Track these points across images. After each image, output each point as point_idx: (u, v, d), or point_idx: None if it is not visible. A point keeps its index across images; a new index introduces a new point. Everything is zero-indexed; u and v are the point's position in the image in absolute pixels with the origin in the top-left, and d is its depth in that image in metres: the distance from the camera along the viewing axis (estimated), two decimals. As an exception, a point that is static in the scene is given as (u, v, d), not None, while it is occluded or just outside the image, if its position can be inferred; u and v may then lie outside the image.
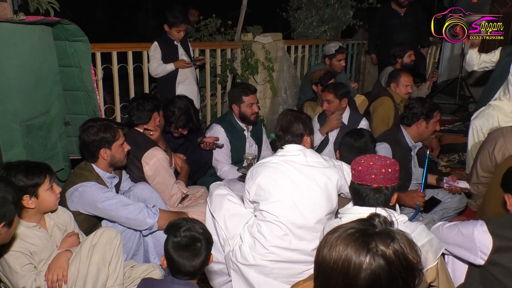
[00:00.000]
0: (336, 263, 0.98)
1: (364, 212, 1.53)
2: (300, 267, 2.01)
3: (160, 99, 2.91)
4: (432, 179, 2.95)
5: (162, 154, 2.61)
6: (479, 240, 1.61)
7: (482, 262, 1.62)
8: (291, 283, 1.93)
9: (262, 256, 1.99)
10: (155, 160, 2.57)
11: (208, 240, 1.54)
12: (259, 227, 2.02)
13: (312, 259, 1.90)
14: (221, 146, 3.13)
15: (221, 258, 2.16)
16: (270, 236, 1.98)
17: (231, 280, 2.11)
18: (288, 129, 2.13)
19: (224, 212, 2.12)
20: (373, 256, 0.96)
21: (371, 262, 0.96)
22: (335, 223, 1.63)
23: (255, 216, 2.10)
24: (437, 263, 1.53)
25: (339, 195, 2.15)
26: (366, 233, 1.00)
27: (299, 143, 2.13)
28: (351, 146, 2.45)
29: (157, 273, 2.04)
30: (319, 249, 1.04)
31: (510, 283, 1.55)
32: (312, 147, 2.24)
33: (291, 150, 2.11)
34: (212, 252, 2.22)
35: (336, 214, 2.11)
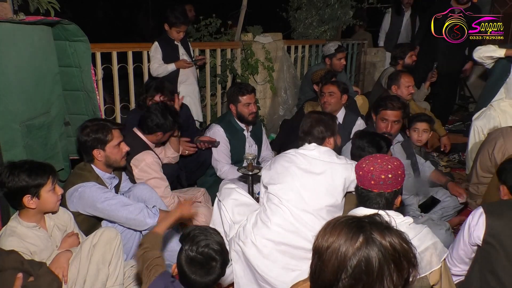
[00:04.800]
0: (331, 244, 1.03)
1: (368, 213, 1.53)
2: (299, 253, 2.04)
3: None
4: (442, 180, 2.95)
5: (151, 158, 2.60)
6: (474, 233, 1.70)
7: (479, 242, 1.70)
8: (288, 271, 1.99)
9: (263, 234, 2.05)
10: (144, 164, 2.57)
11: (224, 259, 1.48)
12: (264, 208, 2.12)
13: (311, 245, 1.95)
14: (216, 145, 3.13)
15: None
16: (273, 216, 2.06)
17: (230, 265, 2.15)
18: (310, 133, 2.22)
19: (232, 201, 2.23)
20: (366, 240, 1.00)
21: (362, 246, 0.99)
22: None
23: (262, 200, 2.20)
24: (441, 266, 1.53)
25: (349, 193, 2.17)
26: (363, 221, 1.05)
27: (321, 145, 2.21)
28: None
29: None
30: (318, 233, 1.09)
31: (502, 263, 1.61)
32: (336, 147, 2.30)
33: (308, 146, 2.21)
34: None
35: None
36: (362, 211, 1.58)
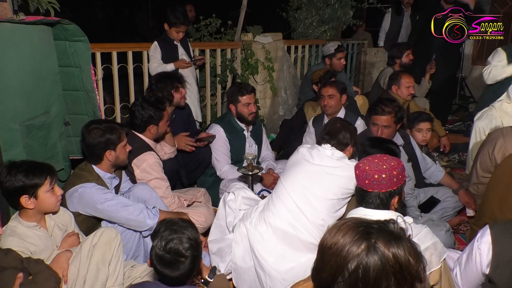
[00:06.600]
0: (334, 245, 1.01)
1: (368, 214, 1.52)
2: (298, 245, 2.08)
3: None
4: (453, 185, 2.94)
5: (153, 158, 2.59)
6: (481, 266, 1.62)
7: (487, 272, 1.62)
8: (285, 260, 2.05)
9: (268, 219, 2.12)
10: (145, 165, 2.56)
11: (195, 255, 1.46)
12: (272, 195, 2.23)
13: (310, 238, 2.02)
14: (212, 140, 3.14)
15: (220, 236, 2.30)
16: (278, 203, 2.14)
17: (230, 251, 2.21)
18: (335, 136, 2.26)
19: (241, 194, 2.35)
20: (368, 248, 0.97)
21: (362, 253, 0.97)
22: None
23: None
24: (441, 266, 1.52)
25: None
26: (371, 227, 1.02)
27: (341, 151, 2.23)
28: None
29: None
30: (326, 231, 1.08)
31: None
32: (352, 156, 2.33)
33: (326, 146, 2.25)
34: (216, 235, 2.30)
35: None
36: (361, 211, 1.58)
